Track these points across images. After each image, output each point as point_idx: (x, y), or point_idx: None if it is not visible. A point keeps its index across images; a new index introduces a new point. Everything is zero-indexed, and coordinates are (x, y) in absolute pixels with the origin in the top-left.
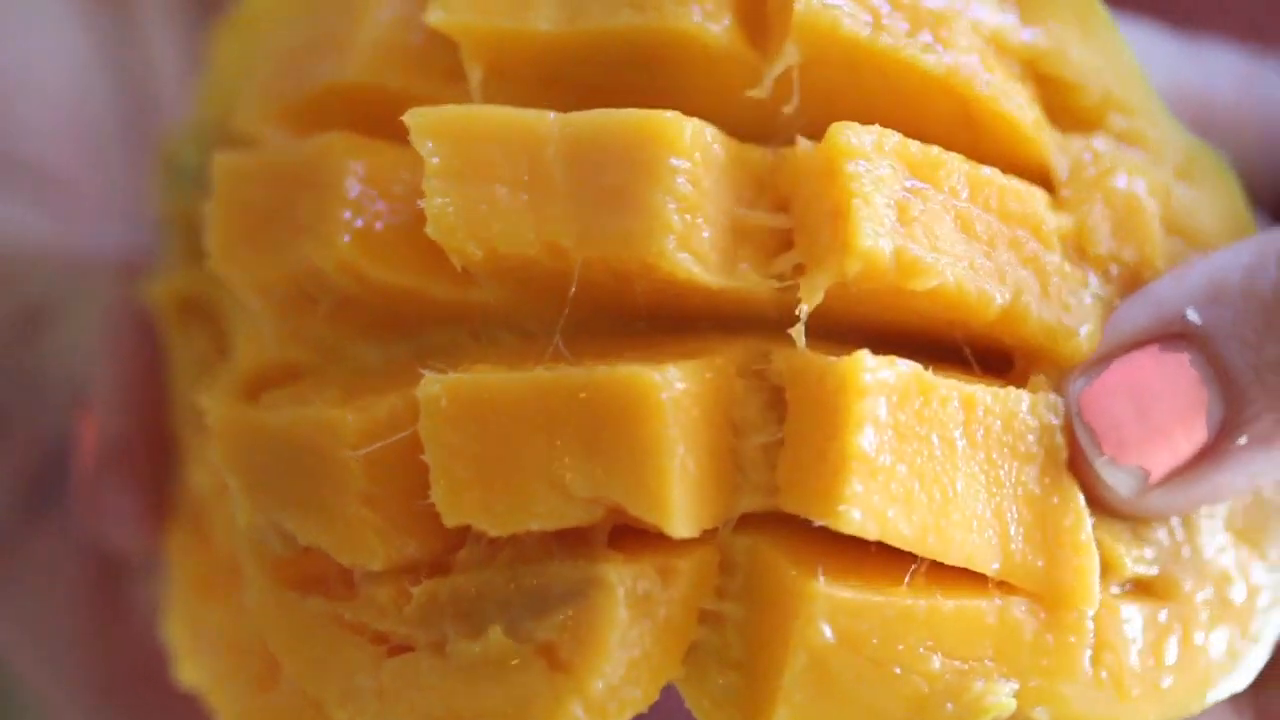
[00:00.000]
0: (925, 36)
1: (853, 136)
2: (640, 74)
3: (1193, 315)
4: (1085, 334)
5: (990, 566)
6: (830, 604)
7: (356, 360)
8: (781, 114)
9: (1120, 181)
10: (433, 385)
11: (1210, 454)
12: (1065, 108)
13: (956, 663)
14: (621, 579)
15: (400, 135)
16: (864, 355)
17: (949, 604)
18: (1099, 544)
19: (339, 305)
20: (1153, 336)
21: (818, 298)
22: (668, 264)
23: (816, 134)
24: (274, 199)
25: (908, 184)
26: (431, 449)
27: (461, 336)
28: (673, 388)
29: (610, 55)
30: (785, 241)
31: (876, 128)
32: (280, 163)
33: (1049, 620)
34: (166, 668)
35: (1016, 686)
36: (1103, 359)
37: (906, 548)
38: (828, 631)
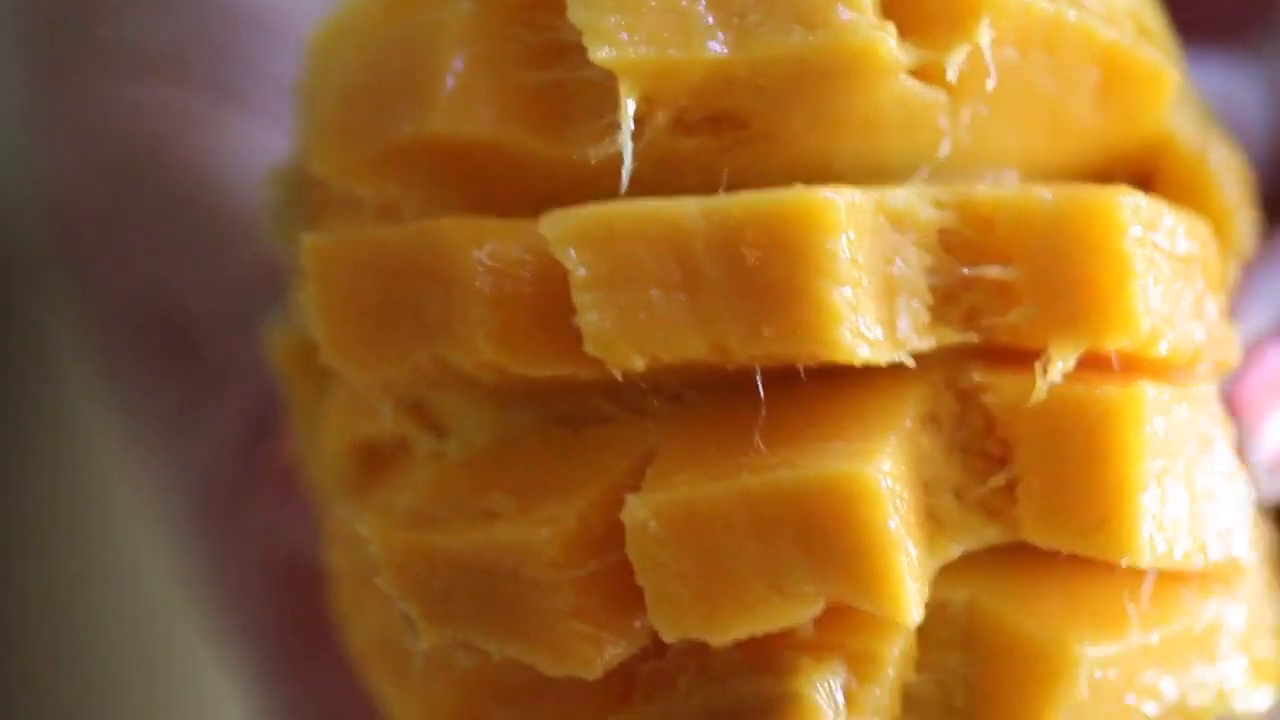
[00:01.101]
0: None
1: (1131, 207)
2: (801, 100)
3: None
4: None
5: (1247, 555)
6: (1090, 664)
7: (471, 434)
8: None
9: None
10: (639, 510)
11: None
12: None
13: (1176, 677)
14: (816, 687)
15: (507, 199)
16: (1145, 388)
17: (1176, 627)
18: None
19: (450, 392)
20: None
21: (1069, 363)
22: (842, 354)
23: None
24: (387, 292)
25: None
26: (645, 573)
27: (595, 399)
28: (887, 477)
29: (775, 81)
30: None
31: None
32: (387, 248)
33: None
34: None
35: (1244, 665)
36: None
37: (1173, 568)
38: (1085, 689)
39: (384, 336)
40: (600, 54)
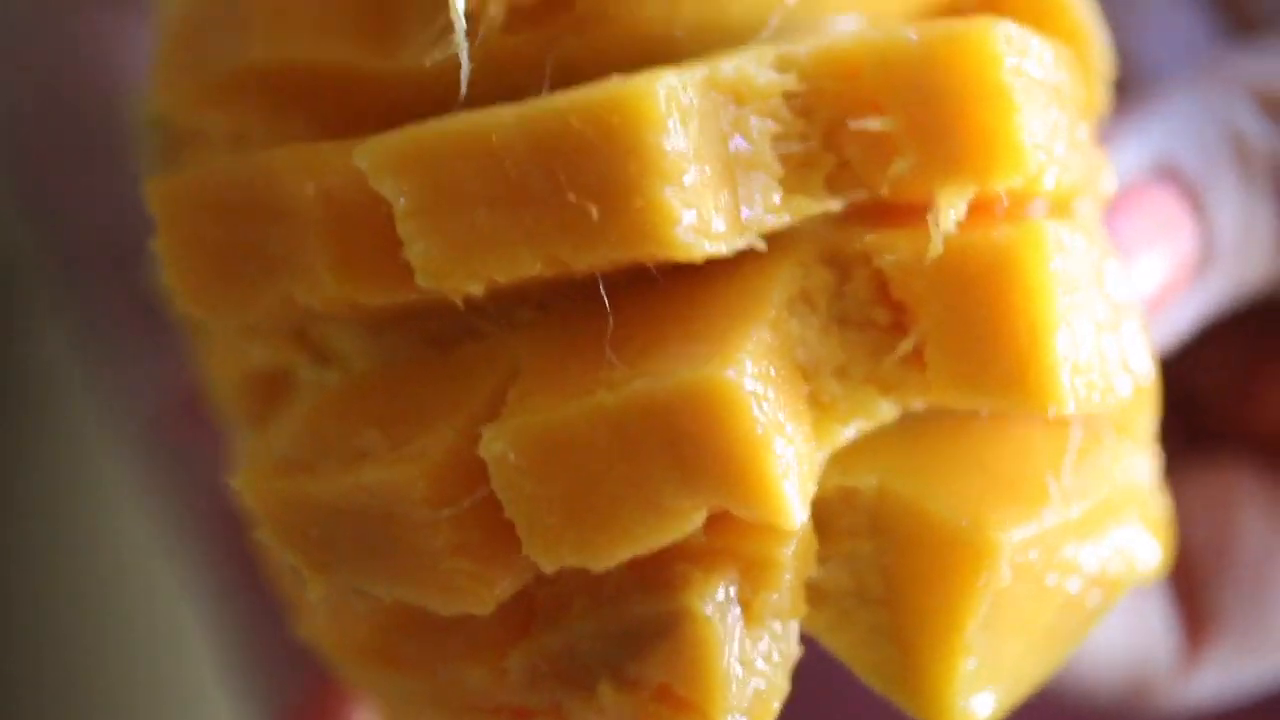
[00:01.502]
0: None
1: (1004, 37)
2: None
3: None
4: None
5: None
6: (1012, 548)
7: (351, 360)
8: None
9: None
10: (495, 441)
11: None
12: None
13: (1094, 548)
14: (708, 601)
15: (345, 119)
16: (1045, 224)
17: (1097, 497)
18: None
19: (325, 321)
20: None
21: (961, 210)
22: (683, 253)
23: None
24: (230, 232)
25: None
26: (512, 506)
27: (465, 316)
28: (749, 377)
29: None
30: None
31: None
32: (225, 188)
33: None
34: None
35: (1157, 546)
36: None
37: (1093, 411)
38: (1008, 574)
39: (232, 279)
40: None
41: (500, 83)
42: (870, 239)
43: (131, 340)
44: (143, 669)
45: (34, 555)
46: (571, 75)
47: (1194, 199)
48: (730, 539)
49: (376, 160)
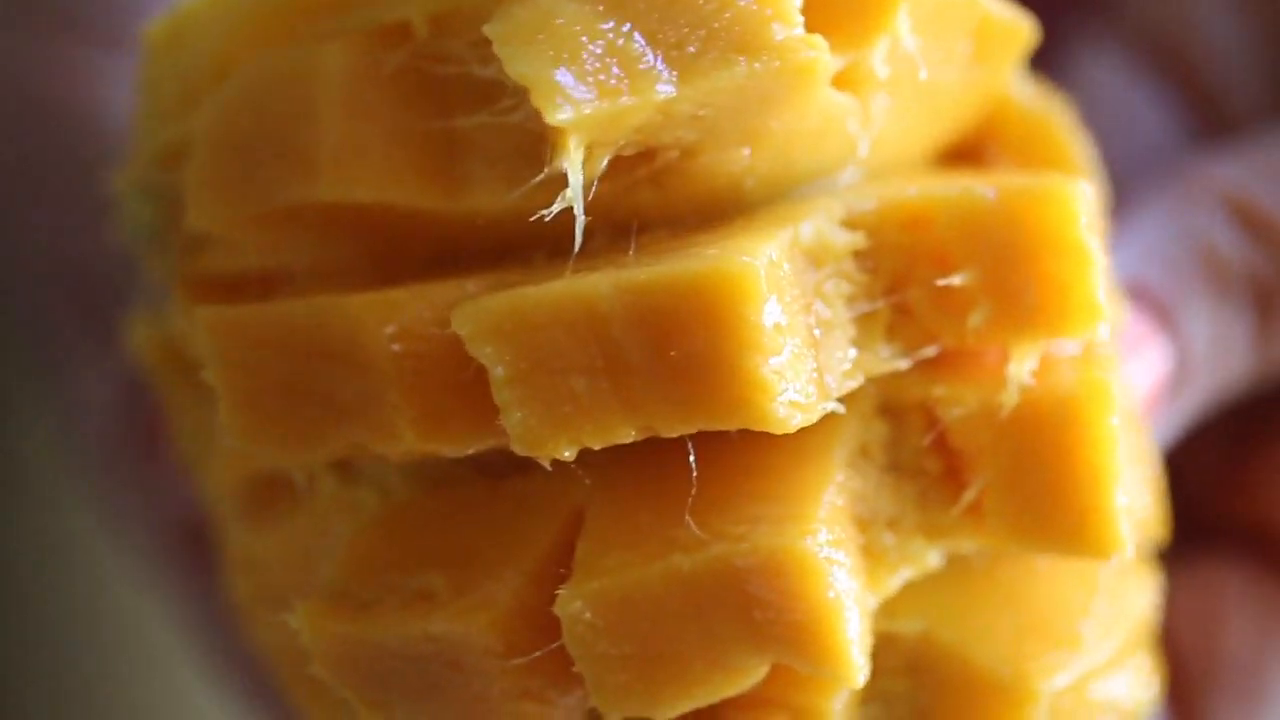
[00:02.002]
0: None
1: (1082, 197)
2: (733, 124)
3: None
4: None
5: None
6: (1051, 696)
7: (389, 481)
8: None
9: None
10: (572, 602)
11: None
12: None
13: (1117, 682)
14: None
15: (406, 256)
16: (1107, 379)
17: (1123, 632)
18: None
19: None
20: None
21: (1034, 362)
22: (777, 426)
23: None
24: (296, 374)
25: None
26: (583, 662)
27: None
28: (825, 546)
29: (715, 110)
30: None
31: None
32: (293, 329)
33: None
34: None
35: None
36: None
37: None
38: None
39: (297, 421)
40: (559, 116)
41: (567, 227)
42: (938, 391)
43: (77, 353)
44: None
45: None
46: (643, 223)
47: (1164, 317)
48: (784, 690)
49: (477, 327)
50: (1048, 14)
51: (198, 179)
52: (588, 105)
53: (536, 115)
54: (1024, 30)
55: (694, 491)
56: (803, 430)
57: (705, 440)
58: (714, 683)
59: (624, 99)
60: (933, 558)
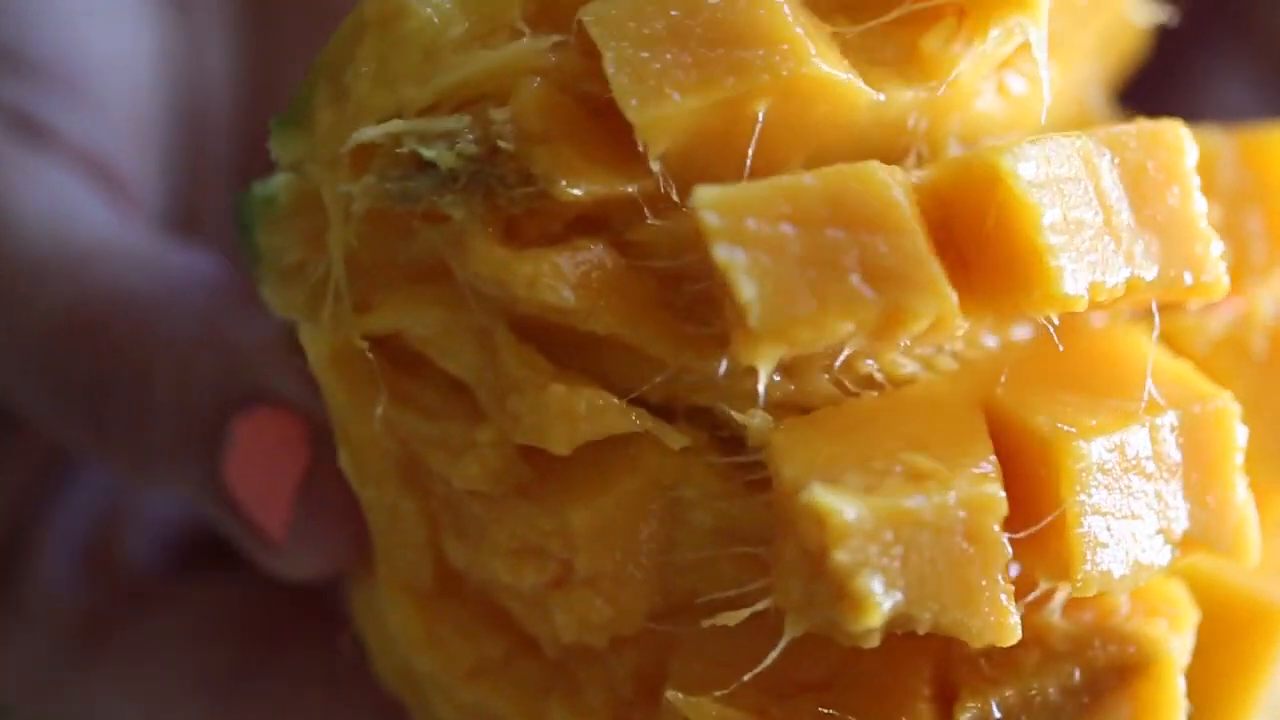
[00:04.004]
0: None
1: None
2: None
3: None
4: None
5: None
6: None
7: None
8: None
9: None
10: None
11: None
12: None
13: None
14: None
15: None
16: None
17: None
18: None
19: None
20: None
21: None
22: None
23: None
24: (821, 244)
25: None
26: None
27: None
28: None
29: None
30: None
31: None
32: (807, 197)
33: None
34: None
35: None
36: None
37: None
38: None
39: (827, 295)
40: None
41: None
42: None
43: None
44: None
45: None
46: None
47: None
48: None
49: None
50: (1180, 38)
51: (628, 73)
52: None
53: None
54: None
55: None
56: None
57: None
58: None
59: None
60: None
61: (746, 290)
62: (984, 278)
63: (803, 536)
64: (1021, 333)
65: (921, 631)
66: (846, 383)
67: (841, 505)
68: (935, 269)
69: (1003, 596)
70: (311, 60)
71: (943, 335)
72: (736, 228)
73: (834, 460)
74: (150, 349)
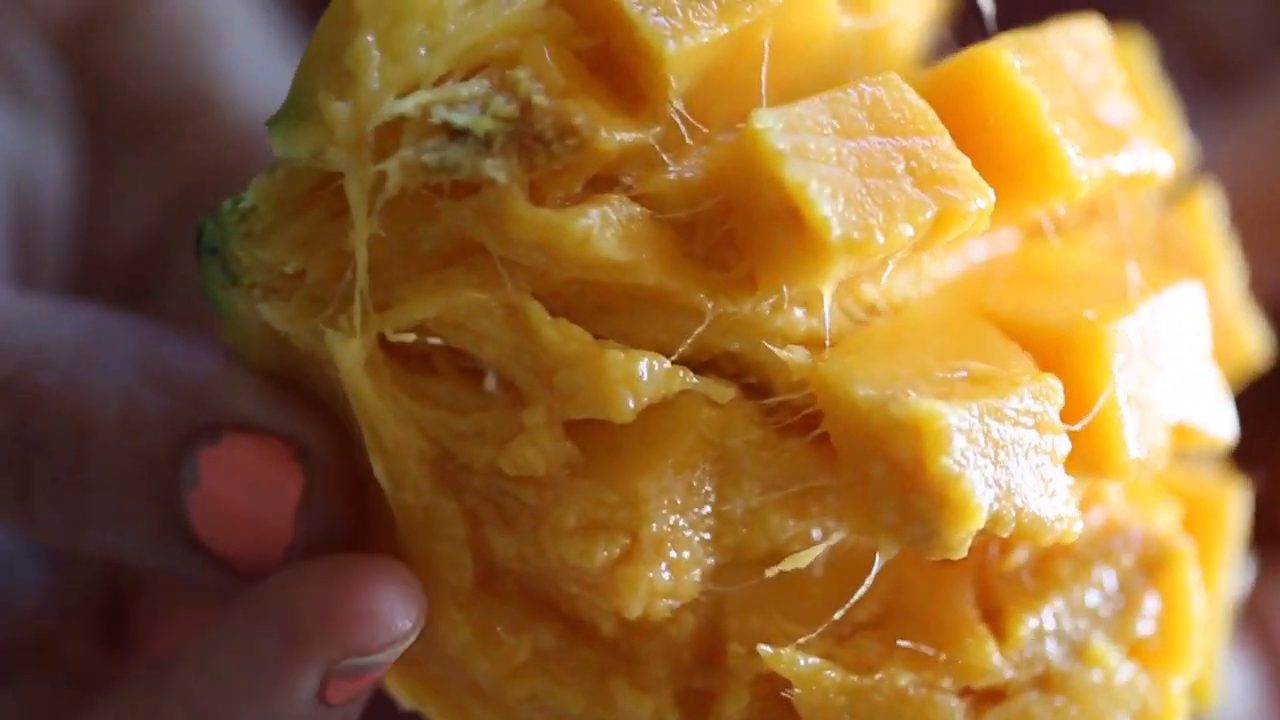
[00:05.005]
0: None
1: None
2: None
3: None
4: None
5: None
6: None
7: None
8: None
9: None
10: None
11: None
12: None
13: None
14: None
15: None
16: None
17: None
18: None
19: None
20: None
21: None
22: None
23: None
24: (878, 154)
25: None
26: None
27: None
28: None
29: None
30: None
31: None
32: (862, 108)
33: None
34: None
35: None
36: None
37: None
38: None
39: (889, 202)
40: None
41: None
42: None
43: None
44: None
45: None
46: None
47: None
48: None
49: None
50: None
51: (654, 8)
52: None
53: None
54: None
55: None
56: None
57: None
58: None
59: None
60: None
61: (824, 207)
62: (996, 172)
63: (895, 451)
64: (978, 251)
65: (1005, 534)
66: (856, 311)
67: (943, 409)
68: (969, 166)
69: (1068, 488)
70: (160, 175)
71: (976, 233)
72: (801, 146)
73: (894, 377)
74: (83, 395)
